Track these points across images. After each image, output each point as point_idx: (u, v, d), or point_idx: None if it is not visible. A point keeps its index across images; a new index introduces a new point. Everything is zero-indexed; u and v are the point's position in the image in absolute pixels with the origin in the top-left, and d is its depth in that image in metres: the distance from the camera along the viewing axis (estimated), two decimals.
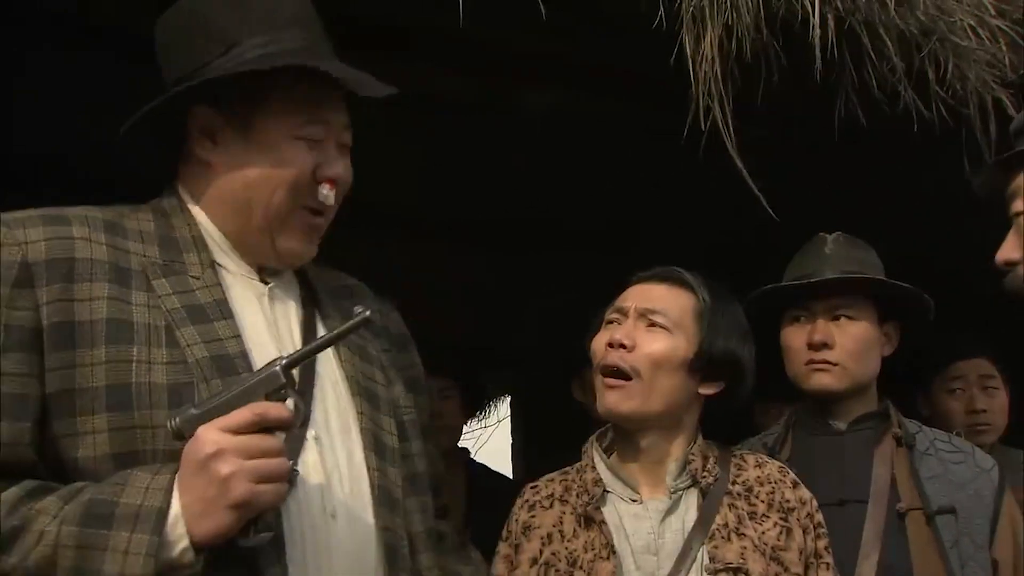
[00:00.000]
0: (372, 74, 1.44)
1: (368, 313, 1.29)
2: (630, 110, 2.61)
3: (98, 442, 1.25)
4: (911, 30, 2.31)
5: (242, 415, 1.21)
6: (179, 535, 1.19)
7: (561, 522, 1.76)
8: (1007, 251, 1.51)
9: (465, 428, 4.72)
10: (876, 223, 2.38)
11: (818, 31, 2.11)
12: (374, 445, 1.42)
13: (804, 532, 1.76)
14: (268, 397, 1.24)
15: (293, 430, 1.27)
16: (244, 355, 1.34)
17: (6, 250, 1.28)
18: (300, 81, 1.38)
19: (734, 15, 2.14)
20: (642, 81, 2.42)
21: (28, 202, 1.38)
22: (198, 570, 1.20)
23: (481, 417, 6.14)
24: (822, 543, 1.78)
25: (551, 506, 1.79)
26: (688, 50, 2.15)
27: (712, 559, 1.68)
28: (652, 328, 1.78)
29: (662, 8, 2.06)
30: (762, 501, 1.77)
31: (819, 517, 1.80)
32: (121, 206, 1.42)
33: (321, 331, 1.45)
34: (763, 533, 1.73)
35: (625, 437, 1.81)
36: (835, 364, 2.11)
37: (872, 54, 2.27)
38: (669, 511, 1.74)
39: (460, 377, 3.27)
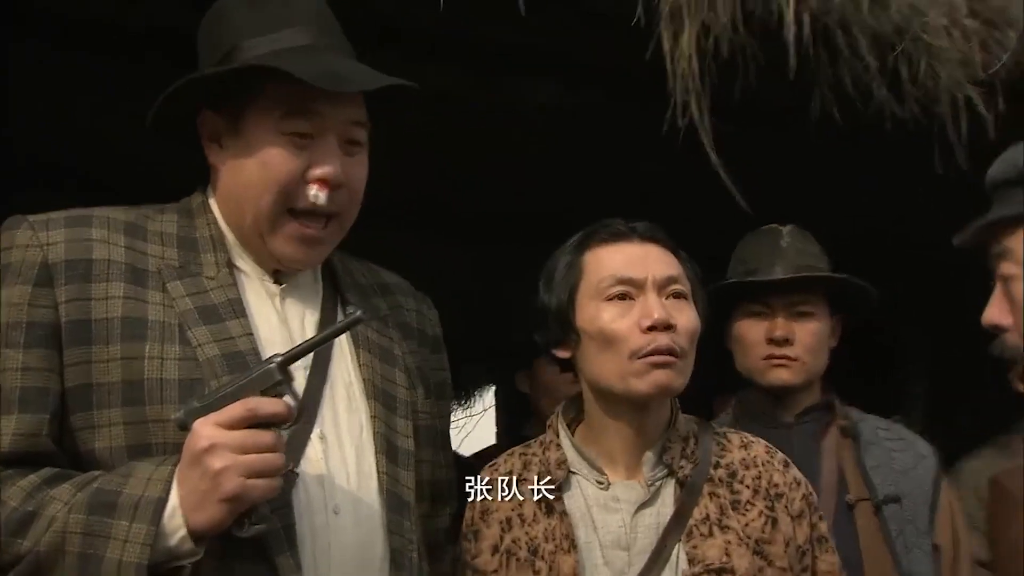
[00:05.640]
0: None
1: (359, 314, 1.31)
2: (612, 105, 2.65)
3: (114, 435, 1.31)
4: (884, 30, 2.36)
5: (235, 410, 1.25)
6: (176, 525, 1.24)
7: (521, 505, 1.61)
8: (995, 314, 1.45)
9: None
10: (846, 216, 2.43)
11: (793, 29, 2.16)
12: (386, 448, 1.44)
13: (795, 519, 1.63)
14: (265, 393, 1.27)
15: (289, 426, 1.29)
16: (255, 352, 1.37)
17: (30, 251, 1.34)
18: (284, 78, 1.37)
19: (711, 14, 2.20)
20: (623, 77, 2.47)
21: (28, 201, 1.43)
22: (200, 558, 1.25)
23: (466, 407, 6.20)
24: (824, 525, 1.68)
25: (509, 486, 1.64)
26: (666, 47, 2.20)
27: (691, 561, 1.54)
28: (678, 300, 1.62)
29: (640, 6, 2.11)
30: (747, 487, 1.62)
31: (814, 498, 1.68)
32: (148, 207, 1.47)
33: (343, 335, 1.45)
34: (747, 524, 1.59)
35: (611, 413, 1.63)
36: (795, 359, 2.13)
37: (846, 53, 2.32)
38: (644, 504, 1.60)
39: None
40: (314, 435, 1.39)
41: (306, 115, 1.38)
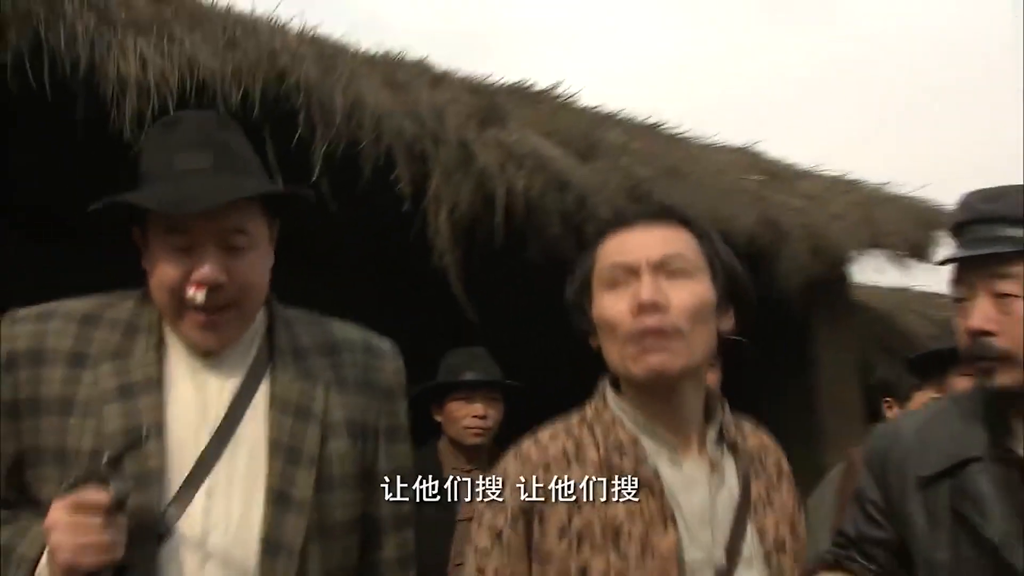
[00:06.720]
0: None
1: (106, 459, 1.50)
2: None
3: (50, 489, 1.53)
4: (568, 207, 3.66)
5: (69, 500, 1.44)
6: None
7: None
8: (980, 322, 1.66)
9: None
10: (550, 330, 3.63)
11: (502, 213, 3.45)
12: (276, 499, 1.57)
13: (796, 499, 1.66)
14: (99, 484, 1.45)
15: (118, 510, 1.45)
16: (158, 425, 1.56)
17: (4, 343, 1.61)
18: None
19: (458, 199, 3.43)
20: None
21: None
22: None
23: None
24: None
25: (569, 465, 1.55)
26: (431, 218, 3.42)
27: (761, 535, 1.53)
28: (675, 277, 1.53)
29: (411, 194, 3.32)
30: (771, 467, 1.63)
31: None
32: (117, 293, 1.69)
33: (261, 398, 1.63)
34: (783, 503, 1.60)
35: (651, 394, 1.56)
36: None
37: (543, 221, 3.60)
38: (719, 482, 1.55)
39: None
40: (201, 491, 1.55)
41: (181, 230, 1.57)
